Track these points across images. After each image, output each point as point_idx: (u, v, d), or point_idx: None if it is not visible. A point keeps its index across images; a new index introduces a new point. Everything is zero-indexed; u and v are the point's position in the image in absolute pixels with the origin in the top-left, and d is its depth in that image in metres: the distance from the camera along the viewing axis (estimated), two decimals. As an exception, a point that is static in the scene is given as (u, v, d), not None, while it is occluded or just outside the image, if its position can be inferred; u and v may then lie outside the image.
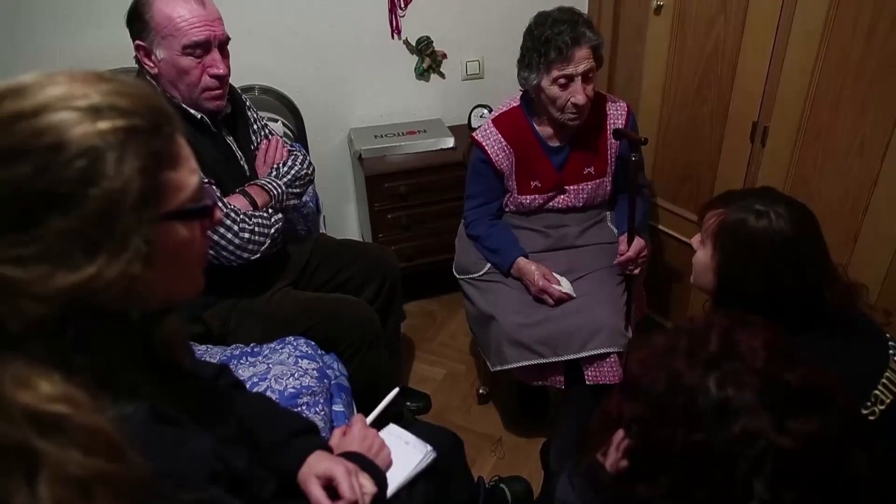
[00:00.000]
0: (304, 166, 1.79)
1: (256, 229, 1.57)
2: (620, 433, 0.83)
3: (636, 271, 1.86)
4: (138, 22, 1.46)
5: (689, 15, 1.96)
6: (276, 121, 2.32)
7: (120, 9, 1.51)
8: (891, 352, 1.20)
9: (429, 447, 1.08)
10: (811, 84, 1.66)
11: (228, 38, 1.54)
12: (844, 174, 1.64)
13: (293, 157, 1.79)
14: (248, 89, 2.26)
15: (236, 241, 1.52)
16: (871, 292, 1.48)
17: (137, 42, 1.48)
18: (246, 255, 1.55)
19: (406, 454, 1.06)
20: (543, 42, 1.65)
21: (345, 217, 2.77)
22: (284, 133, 2.33)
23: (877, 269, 1.60)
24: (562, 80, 1.68)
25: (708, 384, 0.72)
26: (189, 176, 0.68)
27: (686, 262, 2.26)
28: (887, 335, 1.25)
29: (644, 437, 0.76)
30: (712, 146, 2.01)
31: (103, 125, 0.60)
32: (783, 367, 0.72)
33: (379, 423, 1.11)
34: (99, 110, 0.60)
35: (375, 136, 2.44)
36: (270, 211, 1.64)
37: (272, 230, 1.61)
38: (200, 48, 1.47)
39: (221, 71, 1.52)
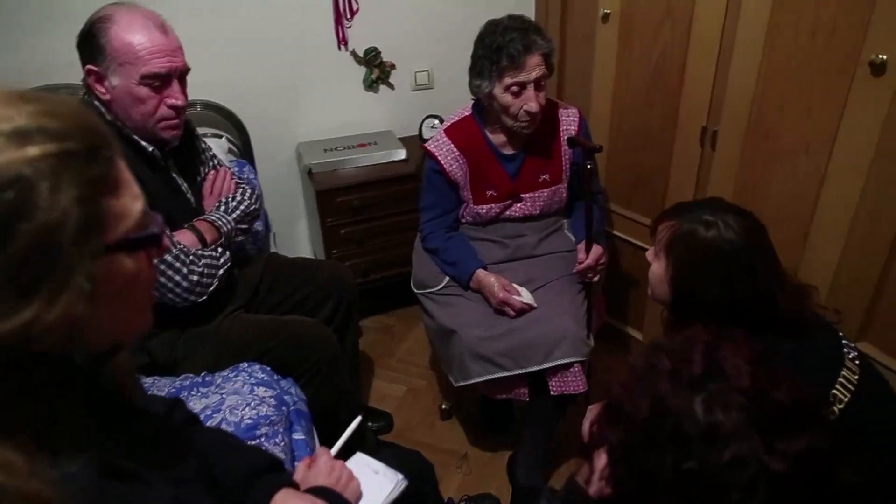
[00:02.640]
0: (253, 201, 1.71)
1: (205, 270, 1.49)
2: (602, 458, 0.80)
3: (595, 279, 1.86)
4: (92, 46, 1.35)
5: (635, 22, 1.97)
6: (221, 137, 2.23)
7: (64, 18, 1.40)
8: (845, 350, 1.22)
9: (399, 475, 1.03)
10: (757, 88, 1.69)
11: (188, 69, 1.46)
12: (793, 174, 1.68)
13: (242, 190, 1.70)
14: (189, 105, 2.16)
15: (184, 283, 1.44)
16: (822, 291, 1.51)
17: (89, 67, 1.37)
18: (193, 297, 1.48)
19: (376, 484, 1.01)
20: (495, 50, 1.63)
21: (295, 234, 2.69)
22: (229, 149, 2.25)
23: (826, 268, 1.63)
24: (514, 88, 1.66)
25: (695, 408, 0.69)
26: (132, 202, 0.61)
27: (641, 266, 2.28)
28: (840, 334, 1.28)
29: (630, 463, 0.73)
30: (663, 151, 2.03)
31: (32, 151, 0.53)
32: (769, 385, 0.70)
33: (345, 453, 1.05)
34: (26, 134, 0.54)
35: (325, 150, 2.38)
36: (220, 250, 1.56)
37: (221, 270, 1.53)
38: (160, 80, 1.39)
39: (180, 102, 1.44)
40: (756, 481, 0.65)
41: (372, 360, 2.46)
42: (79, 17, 1.39)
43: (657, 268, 1.28)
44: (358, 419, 1.09)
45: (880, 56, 1.40)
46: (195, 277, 1.47)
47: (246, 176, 2.09)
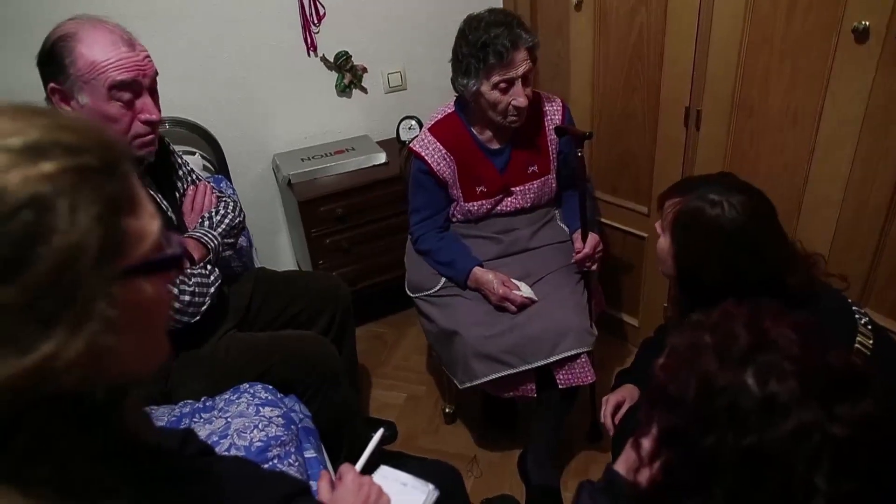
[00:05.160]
0: (237, 214, 1.66)
1: (197, 290, 1.43)
2: (647, 445, 0.76)
3: (594, 267, 1.84)
4: (55, 64, 1.28)
5: (610, 7, 1.96)
6: (194, 154, 2.16)
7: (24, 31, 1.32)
8: (857, 316, 1.22)
9: (430, 485, 0.98)
10: (738, 64, 1.69)
11: (157, 73, 1.39)
12: (781, 147, 1.68)
13: (224, 204, 1.64)
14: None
15: (176, 305, 1.38)
16: (822, 251, 1.51)
17: (53, 85, 1.30)
18: (186, 318, 1.42)
19: (407, 497, 0.96)
20: (481, 47, 1.60)
21: (277, 247, 2.62)
22: (204, 166, 2.18)
23: (823, 237, 1.64)
24: (502, 85, 1.63)
25: (747, 381, 0.66)
26: (150, 221, 0.56)
27: (633, 252, 2.28)
28: (850, 300, 1.28)
29: (685, 448, 0.70)
30: (647, 135, 2.02)
31: (48, 167, 0.48)
32: (820, 351, 0.68)
33: (369, 468, 1.00)
34: (40, 149, 0.48)
35: (302, 160, 2.32)
36: (209, 267, 1.50)
37: (212, 289, 1.48)
38: (129, 91, 1.31)
39: (154, 116, 1.36)
40: (820, 451, 0.63)
41: (368, 370, 2.41)
42: (38, 30, 1.32)
43: (663, 242, 1.28)
44: (380, 432, 1.05)
45: (863, 23, 1.41)
46: (187, 297, 1.40)
47: (224, 191, 2.02)
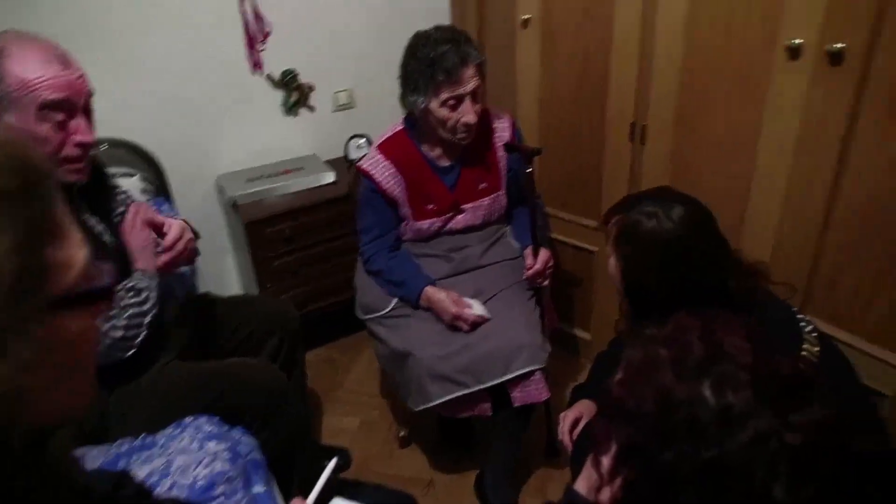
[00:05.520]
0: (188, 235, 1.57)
1: (130, 322, 1.34)
2: (607, 462, 0.75)
3: (545, 283, 1.83)
4: None
5: (556, 25, 1.99)
6: (133, 176, 2.07)
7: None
8: (801, 324, 1.25)
9: (384, 518, 0.94)
10: (681, 81, 1.73)
11: (92, 93, 1.31)
12: (723, 161, 1.72)
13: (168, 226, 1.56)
14: (96, 144, 2.00)
15: (107, 341, 1.30)
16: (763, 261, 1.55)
17: None
18: (119, 353, 1.34)
19: (360, 531, 0.92)
20: (429, 64, 1.59)
21: (223, 272, 2.54)
22: (143, 188, 2.09)
23: (765, 247, 1.68)
24: (451, 102, 1.63)
25: (704, 393, 0.66)
26: (77, 250, 0.51)
27: (583, 266, 2.29)
28: (794, 308, 1.31)
29: (644, 463, 0.68)
30: (595, 150, 2.05)
31: None
32: (770, 359, 0.68)
33: (322, 501, 0.95)
34: None
35: (248, 180, 2.26)
36: (143, 294, 1.39)
37: (148, 317, 1.38)
38: (61, 111, 1.22)
39: (89, 139, 1.28)
40: (777, 459, 0.63)
41: (319, 396, 2.34)
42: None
43: (612, 262, 1.30)
44: (333, 461, 1.00)
45: (796, 40, 1.46)
46: (119, 333, 1.32)
47: (166, 214, 1.94)
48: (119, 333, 1.32)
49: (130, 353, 1.35)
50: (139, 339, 1.36)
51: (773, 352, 0.70)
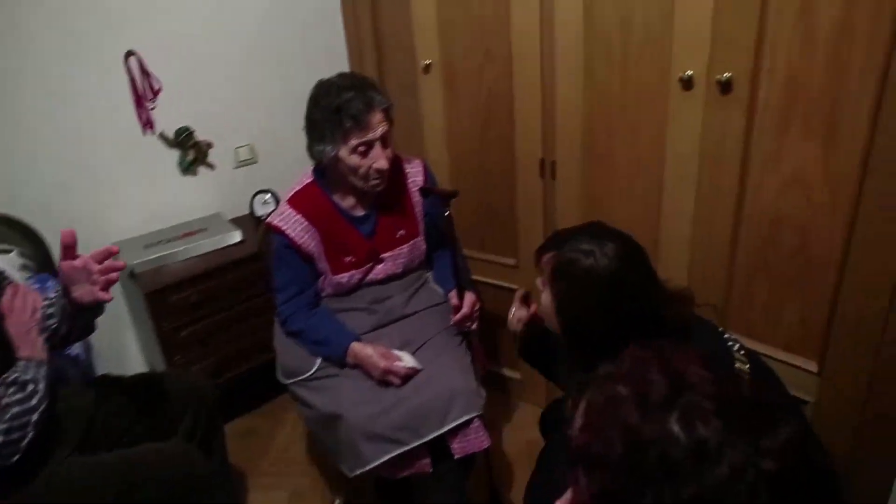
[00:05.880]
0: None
1: (14, 423, 1.18)
2: None
3: (473, 326, 1.80)
4: None
5: (457, 69, 2.01)
6: (10, 252, 1.87)
7: None
8: (729, 343, 1.28)
9: None
10: (584, 115, 1.78)
11: None
12: (632, 191, 1.77)
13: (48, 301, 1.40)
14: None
15: None
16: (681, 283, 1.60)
17: None
18: (0, 462, 1.17)
19: None
20: (335, 111, 1.55)
21: (123, 348, 2.32)
22: (23, 265, 1.89)
23: (681, 270, 1.73)
24: (361, 148, 1.58)
25: (672, 428, 0.63)
26: None
27: (506, 305, 2.26)
28: (721, 329, 1.34)
29: None
30: (507, 188, 2.06)
31: None
32: (732, 385, 0.66)
33: None
34: None
35: (146, 247, 2.10)
36: (29, 388, 1.23)
37: (35, 415, 1.22)
38: None
39: None
40: (756, 487, 0.60)
41: (243, 470, 2.17)
42: None
43: (545, 298, 1.29)
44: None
45: (687, 72, 1.54)
46: (0, 438, 1.16)
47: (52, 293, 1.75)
48: None
49: (14, 458, 1.18)
50: (25, 441, 1.19)
51: (733, 377, 0.69)
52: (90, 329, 1.48)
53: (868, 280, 1.39)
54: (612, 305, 1.19)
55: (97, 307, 1.36)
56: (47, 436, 1.31)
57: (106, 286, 1.30)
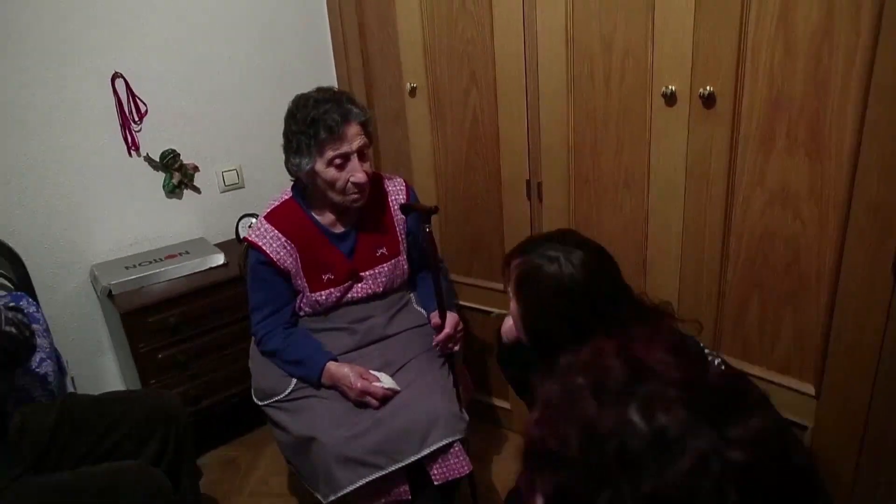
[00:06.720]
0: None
1: None
2: None
3: (456, 348, 1.74)
4: None
5: (442, 92, 2.00)
6: (-15, 269, 1.83)
7: None
8: (710, 358, 1.22)
9: None
10: (569, 136, 1.76)
11: None
12: (619, 209, 1.73)
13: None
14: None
15: None
16: (672, 306, 1.54)
17: None
18: None
19: None
20: (311, 123, 1.53)
21: (101, 371, 2.26)
22: (-1, 283, 1.85)
23: (671, 288, 1.68)
24: (338, 161, 1.56)
25: (631, 418, 0.57)
26: None
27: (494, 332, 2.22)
28: (702, 344, 1.29)
29: None
30: (494, 212, 2.03)
31: None
32: (699, 370, 0.61)
33: None
34: None
35: (126, 268, 2.06)
36: None
37: None
38: None
39: None
40: (722, 481, 0.54)
41: (220, 502, 2.07)
42: None
43: (512, 306, 1.25)
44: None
45: (669, 87, 1.52)
46: None
47: (25, 310, 1.71)
48: None
49: None
50: None
51: (700, 362, 0.63)
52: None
53: (861, 296, 1.34)
54: (575, 314, 1.15)
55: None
56: None
57: None
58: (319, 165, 1.57)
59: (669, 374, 0.59)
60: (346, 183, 1.59)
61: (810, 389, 1.51)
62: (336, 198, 1.62)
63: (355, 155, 1.57)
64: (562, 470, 0.60)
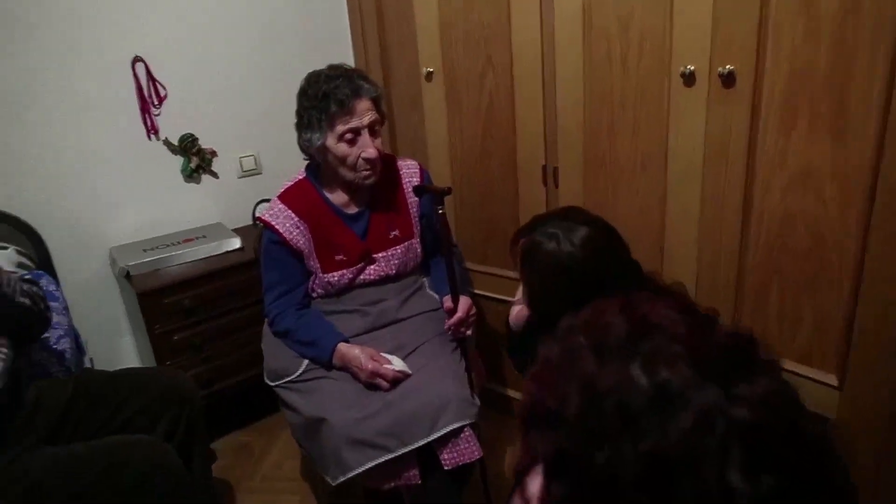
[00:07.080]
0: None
1: None
2: (536, 482, 0.62)
3: (468, 332, 1.72)
4: None
5: (458, 76, 1.99)
6: (6, 248, 1.86)
7: None
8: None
9: None
10: (585, 119, 1.73)
11: None
12: (636, 192, 1.70)
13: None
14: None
15: None
16: (689, 291, 1.51)
17: None
18: None
19: None
20: (321, 98, 1.53)
21: (119, 351, 2.29)
22: (19, 263, 1.88)
23: (689, 274, 1.64)
24: (348, 135, 1.55)
25: (633, 374, 0.55)
26: None
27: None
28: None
29: (580, 473, 0.56)
30: (509, 198, 2.01)
31: None
32: (707, 328, 0.58)
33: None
34: None
35: (144, 250, 2.08)
36: None
37: None
38: None
39: None
40: (727, 440, 0.51)
41: (231, 487, 2.08)
42: None
43: (521, 288, 1.22)
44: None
45: (688, 67, 1.49)
46: None
47: (45, 288, 1.74)
48: None
49: None
50: None
51: (707, 320, 0.61)
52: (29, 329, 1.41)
53: (887, 282, 1.30)
54: (576, 293, 1.11)
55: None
56: (10, 424, 1.27)
57: None
58: (330, 140, 1.56)
59: (675, 330, 0.57)
60: (357, 159, 1.58)
61: (833, 380, 1.47)
62: (348, 175, 1.61)
63: (366, 130, 1.57)
64: (561, 430, 0.58)
